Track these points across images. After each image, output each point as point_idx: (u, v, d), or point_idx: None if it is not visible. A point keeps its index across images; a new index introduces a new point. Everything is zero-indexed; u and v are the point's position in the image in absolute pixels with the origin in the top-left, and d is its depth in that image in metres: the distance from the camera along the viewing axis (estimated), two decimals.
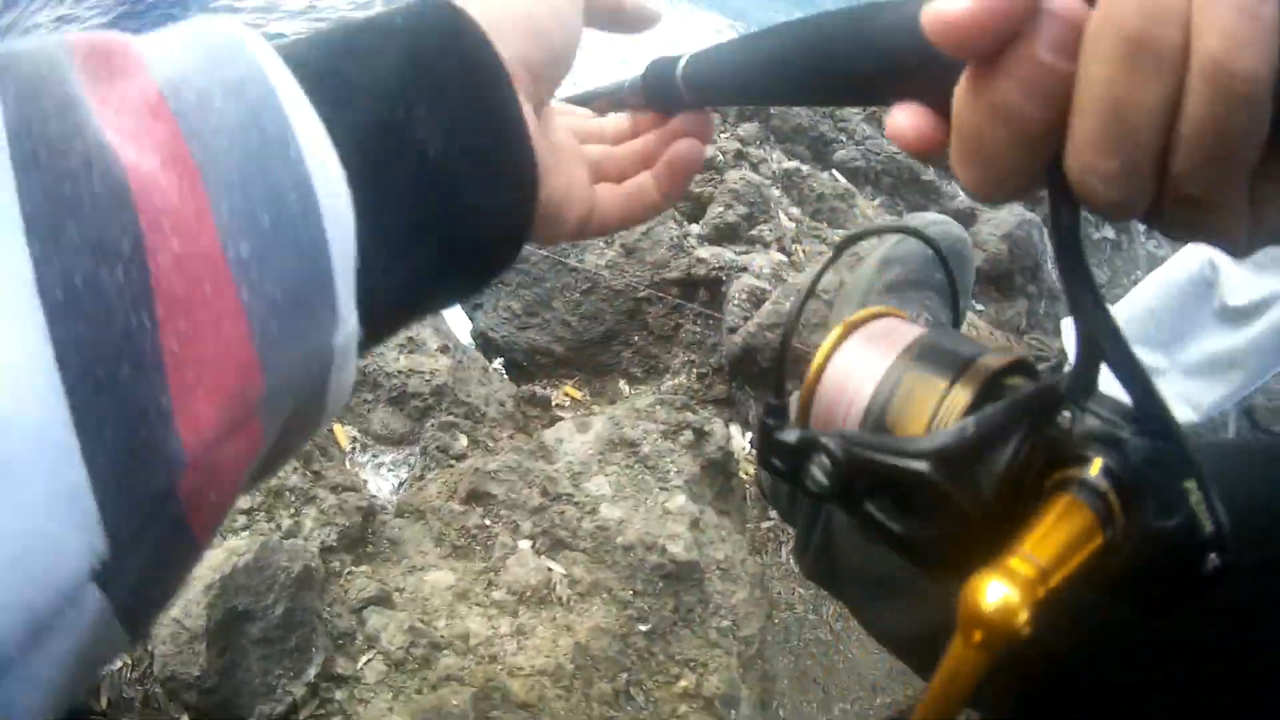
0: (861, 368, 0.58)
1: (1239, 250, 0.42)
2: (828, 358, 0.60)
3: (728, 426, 1.74)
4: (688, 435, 1.46)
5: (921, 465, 0.48)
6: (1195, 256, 1.55)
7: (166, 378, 0.33)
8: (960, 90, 0.43)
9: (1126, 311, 1.64)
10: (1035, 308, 2.25)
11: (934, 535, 0.50)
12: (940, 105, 0.46)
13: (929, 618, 0.93)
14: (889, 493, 0.51)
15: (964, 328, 1.72)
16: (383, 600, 1.17)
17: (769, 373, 1.73)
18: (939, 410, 0.52)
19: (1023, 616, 0.40)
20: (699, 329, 1.83)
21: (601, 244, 1.86)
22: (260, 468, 0.40)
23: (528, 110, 0.50)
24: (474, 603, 1.23)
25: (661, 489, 1.38)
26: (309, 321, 0.38)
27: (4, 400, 0.28)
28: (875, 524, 0.51)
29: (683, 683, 1.27)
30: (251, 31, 0.41)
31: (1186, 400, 1.55)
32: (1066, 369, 0.47)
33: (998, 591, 0.41)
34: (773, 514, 1.77)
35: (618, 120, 0.70)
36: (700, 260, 1.83)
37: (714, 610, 1.35)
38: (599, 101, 0.78)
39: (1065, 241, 0.44)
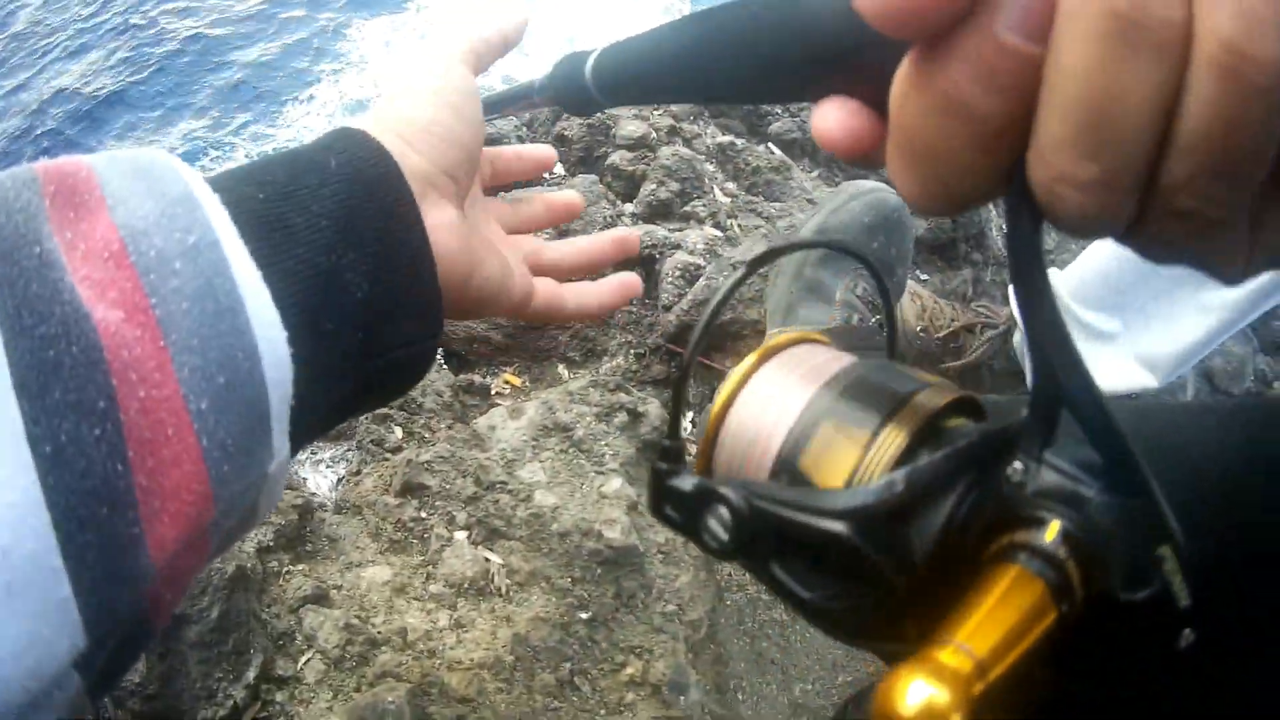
0: (775, 404, 0.51)
1: (1233, 276, 0.37)
2: (735, 391, 0.53)
3: (667, 405, 1.76)
4: (622, 417, 1.47)
5: (839, 526, 0.42)
6: None
7: (138, 510, 0.41)
8: (901, 79, 0.38)
9: (1078, 274, 1.63)
10: (981, 275, 2.25)
11: (851, 606, 0.45)
12: (877, 100, 0.41)
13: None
14: (800, 555, 0.45)
15: (906, 296, 1.76)
16: (320, 599, 1.18)
17: (706, 350, 1.76)
18: (864, 459, 0.45)
19: None
20: (635, 309, 1.85)
21: None
22: (198, 571, 0.50)
23: (452, 214, 0.61)
24: (412, 597, 1.24)
25: (597, 473, 1.39)
26: (250, 459, 0.47)
27: (5, 535, 0.36)
28: (782, 589, 0.46)
29: (628, 670, 1.28)
30: (198, 178, 0.49)
31: (1144, 363, 1.55)
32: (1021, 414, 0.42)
33: (920, 693, 0.35)
34: None
35: (531, 207, 0.82)
36: None
37: (657, 595, 1.36)
38: (510, 107, 0.81)
39: (1024, 261, 0.38)
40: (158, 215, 0.46)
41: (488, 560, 1.28)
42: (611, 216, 1.90)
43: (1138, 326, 1.53)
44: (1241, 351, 2.45)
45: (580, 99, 0.67)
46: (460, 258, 0.62)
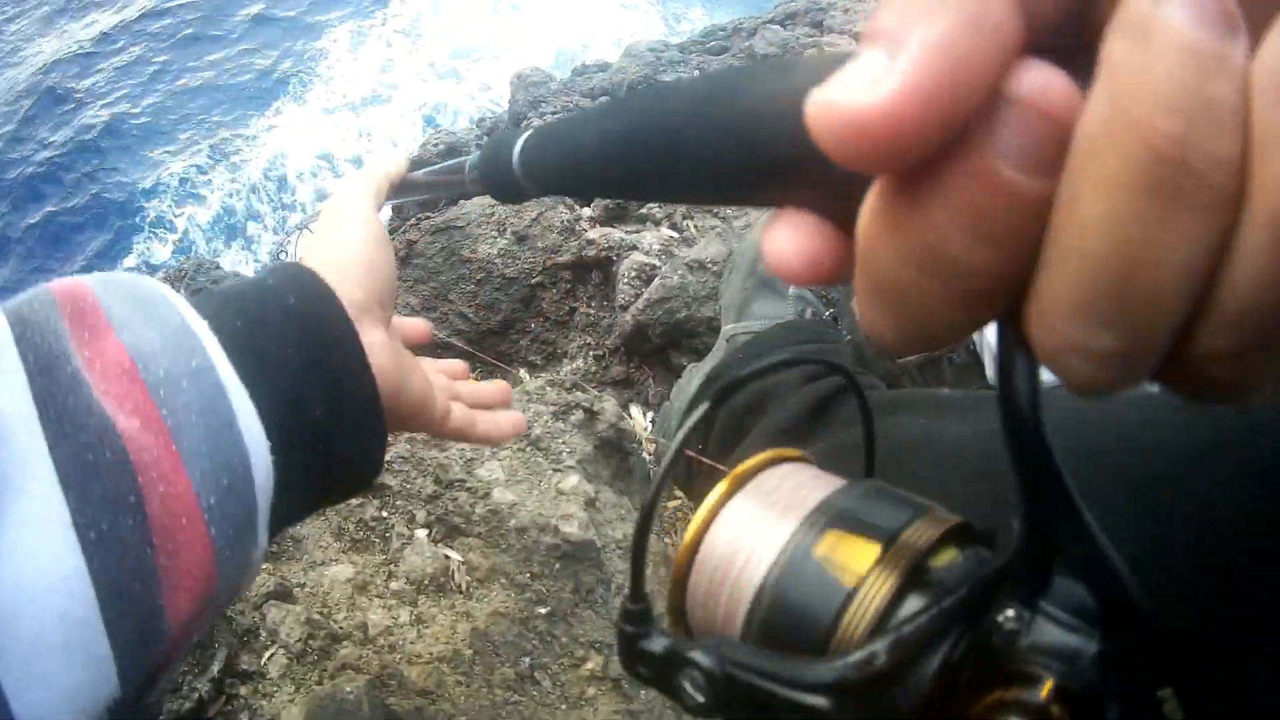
0: (746, 547, 0.49)
1: (1251, 403, 0.30)
2: (702, 530, 0.51)
3: (627, 407, 1.81)
4: (578, 415, 1.52)
5: (819, 701, 0.40)
6: None
7: (161, 585, 0.52)
8: (869, 214, 0.31)
9: None
10: None
11: None
12: (843, 215, 0.34)
13: None
14: None
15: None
16: (284, 595, 1.23)
17: (662, 350, 1.81)
18: (847, 613, 0.43)
19: None
20: (594, 311, 1.91)
21: (494, 232, 1.92)
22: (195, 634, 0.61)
23: (383, 335, 0.74)
24: (373, 594, 1.28)
25: (555, 470, 1.43)
26: (242, 547, 0.58)
27: (62, 602, 0.46)
28: None
29: (588, 665, 1.31)
30: (188, 308, 0.61)
31: None
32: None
33: None
34: (679, 494, 1.79)
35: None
36: (590, 242, 1.90)
37: (616, 590, 1.40)
38: (441, 191, 0.87)
39: (1016, 417, 0.35)
40: (162, 342, 0.56)
41: (448, 557, 1.33)
42: (570, 220, 1.95)
43: None
44: None
45: (508, 188, 0.64)
46: (392, 374, 0.74)
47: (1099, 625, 0.38)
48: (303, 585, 1.27)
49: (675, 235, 1.97)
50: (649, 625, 0.50)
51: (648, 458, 1.74)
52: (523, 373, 1.91)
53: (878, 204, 0.30)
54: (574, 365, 1.88)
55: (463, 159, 0.75)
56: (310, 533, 1.33)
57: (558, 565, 1.35)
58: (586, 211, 2.04)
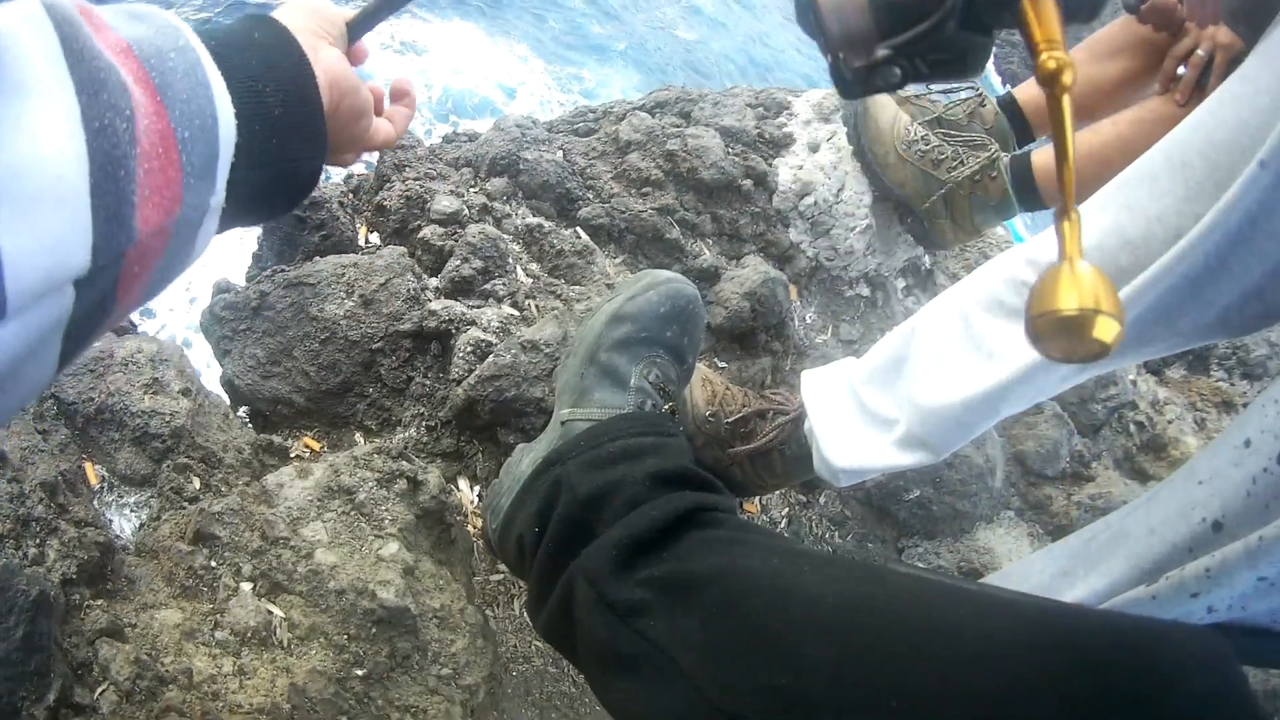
0: None
1: None
2: None
3: (455, 480, 1.94)
4: (402, 484, 1.61)
5: None
6: (944, 308, 1.62)
7: (137, 186, 0.66)
8: None
9: (871, 361, 1.73)
10: (781, 364, 2.45)
11: None
12: None
13: (668, 708, 1.01)
14: None
15: (697, 380, 1.91)
16: (115, 634, 1.31)
17: (491, 426, 1.93)
18: None
19: None
20: (429, 382, 2.03)
21: (341, 294, 2.03)
22: (152, 283, 0.75)
23: (337, 52, 1.04)
24: (200, 642, 1.36)
25: (376, 536, 1.52)
26: (205, 184, 0.75)
27: (63, 170, 0.58)
28: None
29: None
30: (179, 19, 0.80)
31: (920, 446, 1.64)
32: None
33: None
34: (502, 567, 1.89)
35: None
36: (432, 313, 2.02)
37: (432, 658, 1.48)
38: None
39: None
40: (152, 33, 0.74)
41: (270, 612, 1.42)
42: (416, 289, 2.08)
43: (915, 411, 1.63)
44: (1056, 435, 2.69)
45: None
46: (343, 80, 1.02)
47: None
48: (134, 625, 1.36)
49: (515, 314, 2.09)
50: None
51: (472, 532, 1.85)
52: (358, 436, 2.01)
53: None
54: (407, 434, 1.99)
55: None
56: (143, 574, 1.43)
57: (374, 629, 1.45)
58: (433, 282, 2.15)
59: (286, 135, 0.90)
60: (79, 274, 0.62)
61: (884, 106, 2.51)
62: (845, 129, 2.61)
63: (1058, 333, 0.88)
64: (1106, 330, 0.86)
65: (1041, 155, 2.31)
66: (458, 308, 2.05)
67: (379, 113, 1.20)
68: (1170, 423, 2.94)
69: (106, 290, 0.67)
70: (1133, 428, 2.89)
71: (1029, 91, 2.55)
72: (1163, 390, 3.12)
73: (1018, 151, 2.44)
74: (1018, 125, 2.54)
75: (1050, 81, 0.84)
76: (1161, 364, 3.36)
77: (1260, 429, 1.23)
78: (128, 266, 0.68)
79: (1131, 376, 2.97)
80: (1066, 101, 0.87)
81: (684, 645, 1.03)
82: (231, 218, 0.87)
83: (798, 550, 1.13)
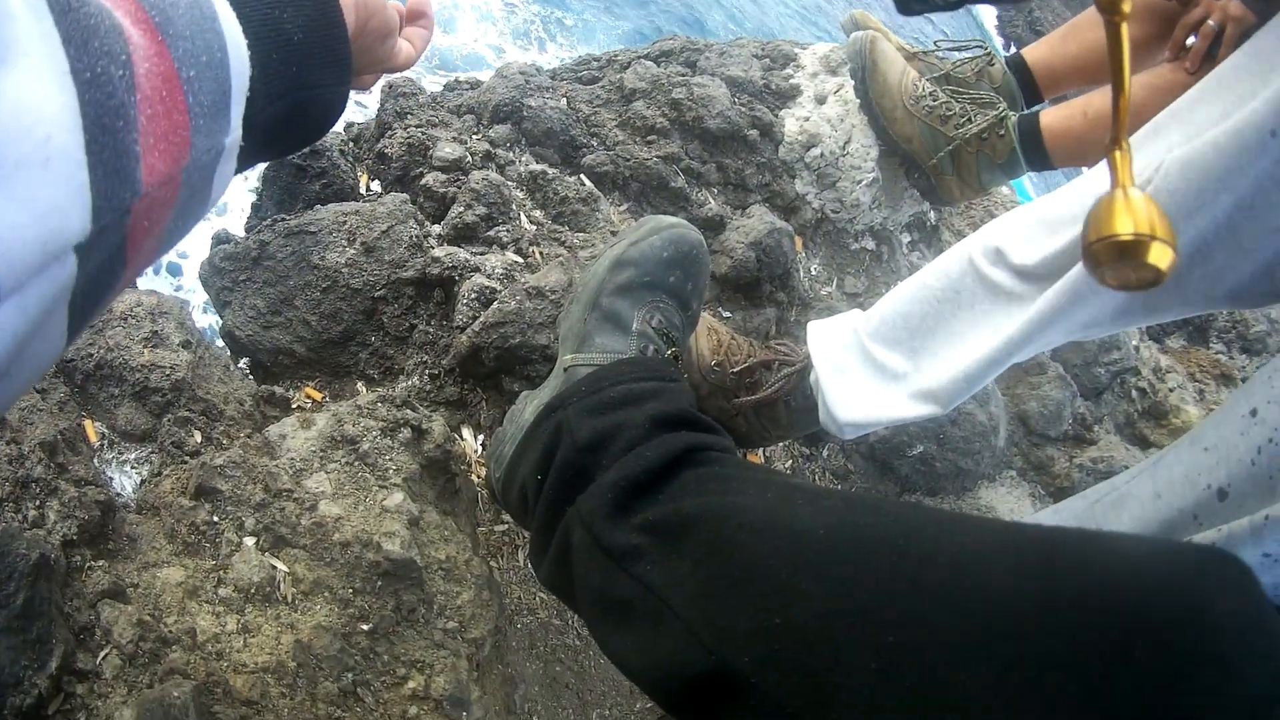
0: None
1: None
2: None
3: (459, 428, 1.91)
4: (406, 433, 1.58)
5: None
6: (955, 261, 1.62)
7: (139, 135, 0.60)
8: None
9: (879, 315, 1.72)
10: (785, 315, 2.43)
11: None
12: None
13: (664, 654, 0.99)
14: None
15: (702, 329, 1.89)
16: (117, 594, 1.28)
17: (496, 374, 1.90)
18: None
19: None
20: (432, 330, 2.00)
21: (343, 241, 2.00)
22: (166, 234, 0.70)
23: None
24: (203, 600, 1.34)
25: (380, 486, 1.49)
26: (216, 124, 0.70)
27: (50, 130, 0.52)
28: None
29: (410, 684, 1.38)
30: None
31: (928, 396, 1.62)
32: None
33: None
34: (506, 518, 1.87)
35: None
36: (435, 260, 1.99)
37: (438, 611, 1.46)
38: None
39: None
40: None
41: (274, 567, 1.39)
42: (418, 236, 2.04)
43: (926, 365, 1.63)
44: (1059, 396, 2.70)
45: None
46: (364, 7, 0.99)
47: None
48: (135, 585, 1.33)
49: (519, 260, 2.06)
50: None
51: (476, 481, 1.82)
52: (360, 385, 1.98)
53: None
54: (410, 382, 1.96)
55: None
56: (145, 533, 1.39)
57: (380, 582, 1.42)
58: (435, 229, 2.12)
59: (308, 62, 0.85)
60: (79, 239, 0.56)
61: (892, 61, 2.48)
62: (853, 82, 2.59)
63: (1115, 259, 0.89)
64: (1162, 256, 0.88)
65: (1050, 116, 2.29)
66: (461, 254, 2.01)
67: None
68: (1172, 391, 2.95)
69: (113, 251, 0.62)
70: (1135, 393, 2.90)
71: (1037, 53, 2.53)
72: (1165, 358, 3.11)
73: (1026, 111, 2.41)
74: (1025, 86, 2.52)
75: (1110, 9, 0.86)
76: (1162, 332, 3.36)
77: (1267, 399, 1.23)
78: (135, 222, 0.63)
79: (1135, 342, 2.97)
80: (1124, 30, 0.89)
81: (678, 588, 1.02)
82: (253, 154, 0.83)
83: (792, 484, 1.11)
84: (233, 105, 0.73)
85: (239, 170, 0.80)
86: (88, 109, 0.55)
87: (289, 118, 0.86)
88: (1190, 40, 2.15)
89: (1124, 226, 0.87)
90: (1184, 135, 1.32)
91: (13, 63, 0.52)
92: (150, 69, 0.62)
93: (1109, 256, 0.89)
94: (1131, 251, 0.87)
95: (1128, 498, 1.42)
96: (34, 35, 0.53)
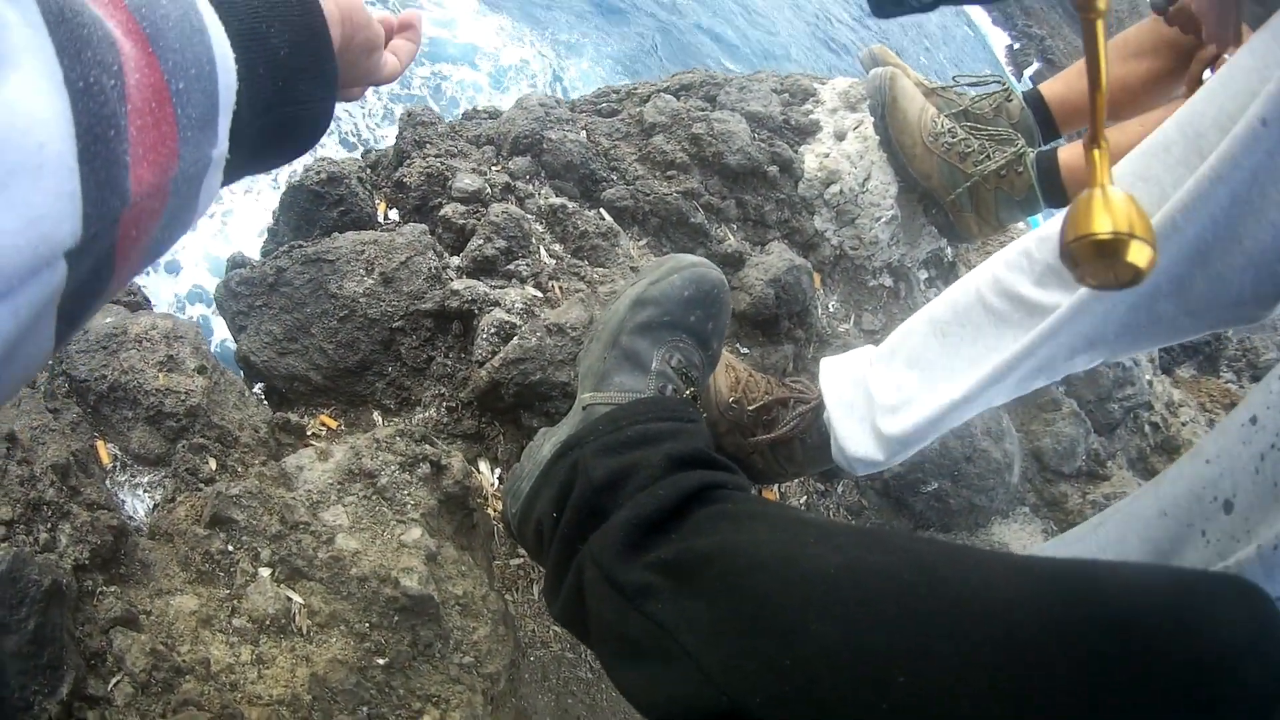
0: None
1: None
2: None
3: (476, 462, 1.89)
4: (425, 468, 1.57)
5: None
6: (965, 291, 1.61)
7: (129, 145, 0.61)
8: None
9: (888, 348, 1.71)
10: (802, 352, 2.40)
11: None
12: None
13: (676, 692, 0.98)
14: None
15: (721, 367, 1.86)
16: (129, 622, 1.27)
17: (514, 409, 1.88)
18: None
19: None
20: (450, 363, 1.98)
21: (361, 271, 1.98)
22: (153, 245, 0.71)
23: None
24: (217, 629, 1.32)
25: (398, 521, 1.48)
26: (204, 136, 0.71)
27: (44, 138, 0.53)
28: None
29: (425, 718, 1.37)
30: None
31: (929, 424, 1.61)
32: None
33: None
34: (522, 552, 1.86)
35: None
36: (454, 293, 1.97)
37: (455, 646, 1.44)
38: None
39: None
40: None
41: (289, 599, 1.37)
42: (437, 268, 2.02)
43: (933, 388, 1.61)
44: (1073, 433, 2.67)
45: None
46: (356, 13, 1.00)
47: None
48: (148, 613, 1.31)
49: (539, 295, 2.04)
50: None
51: (492, 515, 1.80)
52: (376, 415, 1.96)
53: None
54: (426, 414, 1.94)
55: None
56: (158, 559, 1.37)
57: (397, 617, 1.40)
58: (455, 260, 2.10)
59: (294, 77, 0.86)
60: (70, 245, 0.58)
61: (911, 97, 2.48)
62: (872, 118, 2.57)
63: (1093, 257, 0.89)
64: (1140, 255, 0.88)
65: (1069, 152, 2.28)
66: (480, 287, 2.00)
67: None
68: (1184, 425, 2.94)
69: (102, 258, 0.64)
70: (1147, 428, 2.89)
71: (1054, 89, 2.53)
72: (1177, 392, 3.10)
73: (1044, 148, 2.40)
74: (1043, 122, 2.51)
75: (1085, 7, 0.86)
76: (1172, 363, 3.34)
77: (1266, 405, 1.22)
78: (124, 231, 0.64)
79: (1148, 377, 2.96)
80: (1100, 27, 0.89)
81: (689, 626, 1.01)
82: (239, 167, 0.84)
83: (805, 520, 1.11)
84: (220, 118, 0.74)
85: (227, 182, 0.81)
86: (80, 118, 0.56)
87: (275, 131, 0.88)
88: (1206, 74, 2.14)
89: (1102, 225, 0.88)
90: (1186, 140, 1.33)
91: (8, 72, 0.53)
92: (141, 80, 0.63)
93: (1087, 255, 0.89)
94: (1110, 250, 0.88)
95: (1133, 519, 1.40)
96: (29, 45, 0.54)
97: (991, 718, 0.74)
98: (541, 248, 2.17)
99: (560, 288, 2.11)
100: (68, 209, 0.56)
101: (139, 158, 0.62)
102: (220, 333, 2.14)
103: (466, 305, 1.97)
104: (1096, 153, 0.94)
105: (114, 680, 1.22)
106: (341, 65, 0.96)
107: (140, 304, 1.95)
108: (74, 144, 0.56)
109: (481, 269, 2.09)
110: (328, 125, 0.95)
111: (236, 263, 2.08)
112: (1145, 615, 0.74)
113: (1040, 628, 0.76)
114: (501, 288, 2.04)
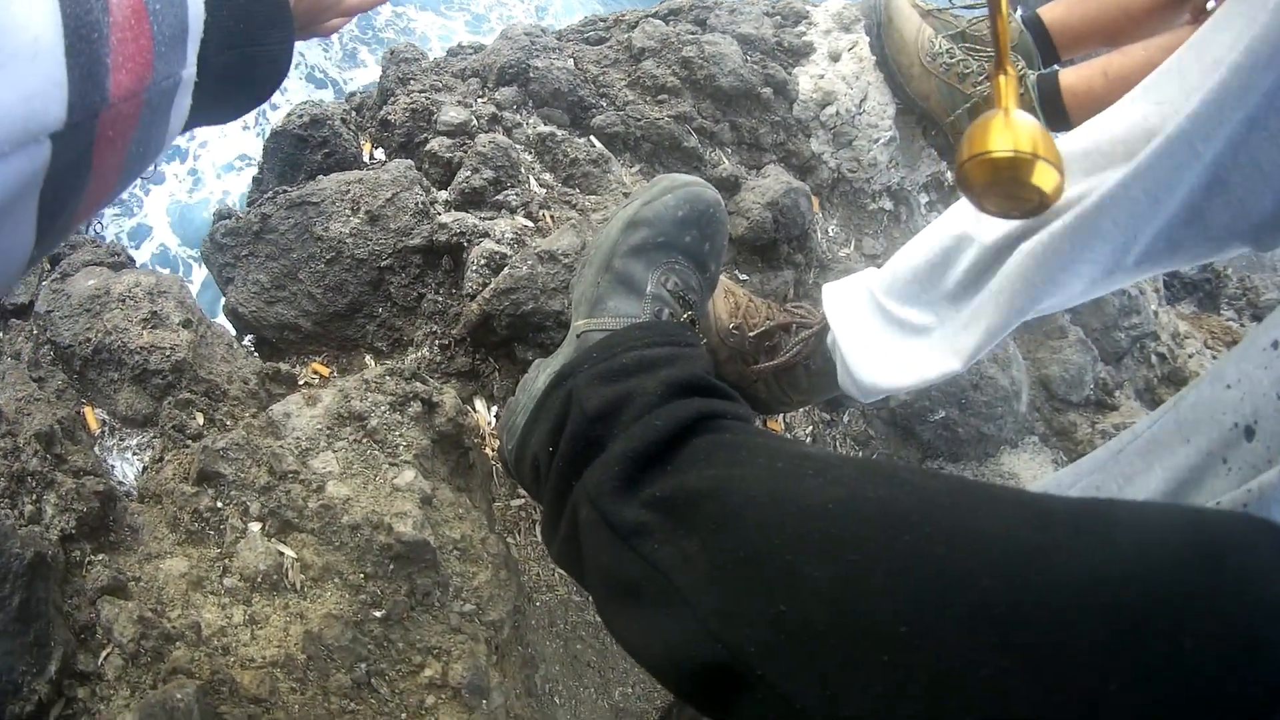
0: None
1: None
2: None
3: (472, 400, 1.85)
4: (416, 407, 1.52)
5: None
6: (953, 219, 1.57)
7: (110, 50, 0.70)
8: None
9: (891, 272, 1.67)
10: (803, 277, 2.35)
11: None
12: None
13: (672, 640, 0.94)
14: None
15: (720, 293, 1.83)
16: (117, 590, 1.23)
17: (508, 342, 1.84)
18: None
19: None
20: (441, 299, 1.94)
21: (347, 211, 1.93)
22: (129, 156, 0.79)
23: None
24: (208, 591, 1.29)
25: (390, 464, 1.44)
26: (175, 53, 0.80)
27: (38, 32, 0.62)
28: None
29: (427, 672, 1.33)
30: None
31: (954, 352, 1.57)
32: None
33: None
34: (523, 492, 1.82)
35: None
36: (443, 226, 1.92)
37: (454, 594, 1.40)
38: None
39: None
40: None
41: (281, 554, 1.33)
42: (424, 203, 1.97)
43: (947, 318, 1.57)
44: (1080, 360, 2.64)
45: None
46: None
47: None
48: (137, 579, 1.27)
49: (530, 224, 2.00)
50: None
51: (490, 454, 1.76)
52: (368, 358, 1.92)
53: None
54: (419, 354, 1.90)
55: None
56: (146, 522, 1.34)
57: (392, 566, 1.36)
58: (442, 195, 2.06)
59: (252, 20, 0.95)
60: (55, 128, 0.66)
61: (908, 17, 2.41)
62: (868, 38, 2.51)
63: (991, 180, 0.85)
64: (1045, 177, 0.84)
65: (1071, 76, 2.22)
66: (469, 220, 1.95)
67: None
68: (1191, 356, 2.91)
69: (82, 151, 0.72)
70: (1154, 359, 2.86)
71: (1054, 12, 2.46)
72: (1183, 324, 3.06)
73: (1045, 71, 2.33)
74: (1043, 45, 2.43)
75: None
76: (1173, 299, 3.30)
77: None
78: (102, 130, 0.72)
79: (1153, 306, 2.92)
80: None
81: (685, 568, 0.96)
82: (210, 106, 0.93)
83: (804, 453, 1.03)
84: (189, 41, 0.83)
85: (194, 124, 0.91)
86: (69, 21, 0.65)
87: (238, 70, 0.95)
88: (1211, 4, 2.07)
89: (1001, 144, 0.84)
90: (1201, 65, 1.26)
91: None
92: (121, 4, 0.72)
93: (983, 176, 0.85)
94: (1010, 171, 0.84)
95: (1154, 445, 1.34)
96: None
97: (1003, 677, 0.67)
98: (531, 177, 2.12)
99: (551, 216, 2.06)
100: (56, 94, 0.65)
101: (119, 64, 0.71)
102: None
103: (455, 238, 1.92)
104: (1002, 79, 0.92)
105: (104, 653, 1.19)
106: (299, 13, 1.03)
107: (124, 264, 1.89)
108: (63, 41, 0.65)
109: (470, 201, 2.04)
110: (288, 68, 1.04)
111: (222, 214, 2.04)
112: (1178, 570, 0.67)
113: (1060, 582, 0.69)
114: (491, 219, 1.99)
